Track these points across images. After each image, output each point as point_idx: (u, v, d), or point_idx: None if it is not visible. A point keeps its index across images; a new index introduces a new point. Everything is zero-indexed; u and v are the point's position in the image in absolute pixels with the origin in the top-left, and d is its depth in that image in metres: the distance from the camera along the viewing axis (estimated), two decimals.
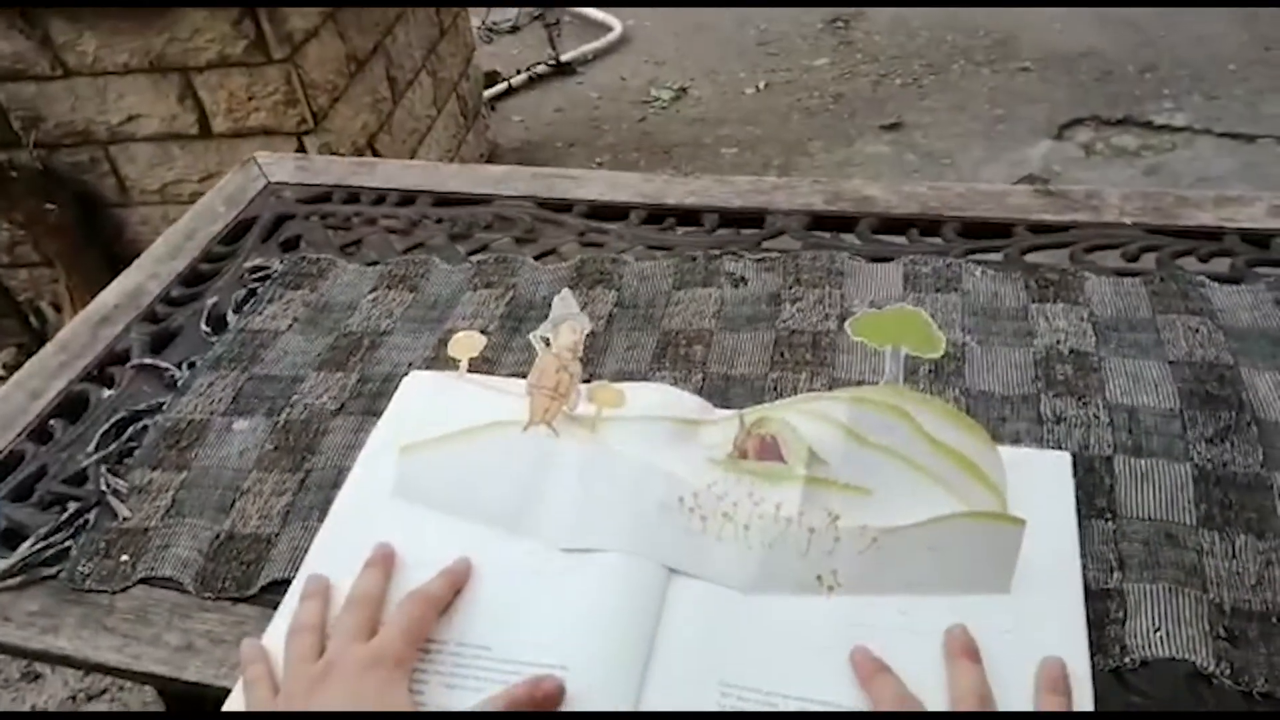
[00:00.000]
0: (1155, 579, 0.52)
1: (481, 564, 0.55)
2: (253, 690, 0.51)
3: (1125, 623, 0.51)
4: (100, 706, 1.29)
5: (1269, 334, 0.66)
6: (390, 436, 0.63)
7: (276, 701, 0.49)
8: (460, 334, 0.63)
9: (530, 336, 0.59)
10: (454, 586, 0.54)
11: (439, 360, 0.70)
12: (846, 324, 0.50)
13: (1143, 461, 0.58)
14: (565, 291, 0.59)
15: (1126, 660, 0.49)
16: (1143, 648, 0.50)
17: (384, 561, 0.55)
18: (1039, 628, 0.50)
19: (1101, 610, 0.51)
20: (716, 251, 0.79)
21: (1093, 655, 0.49)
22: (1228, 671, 0.48)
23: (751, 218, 0.84)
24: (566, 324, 0.57)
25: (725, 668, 0.50)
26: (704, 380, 0.67)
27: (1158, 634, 0.50)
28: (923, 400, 0.53)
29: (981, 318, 0.70)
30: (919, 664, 0.49)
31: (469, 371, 0.64)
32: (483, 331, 0.71)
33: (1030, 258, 0.76)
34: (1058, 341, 0.67)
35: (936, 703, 0.47)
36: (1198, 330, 0.67)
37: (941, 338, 0.51)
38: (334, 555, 0.57)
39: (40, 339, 1.38)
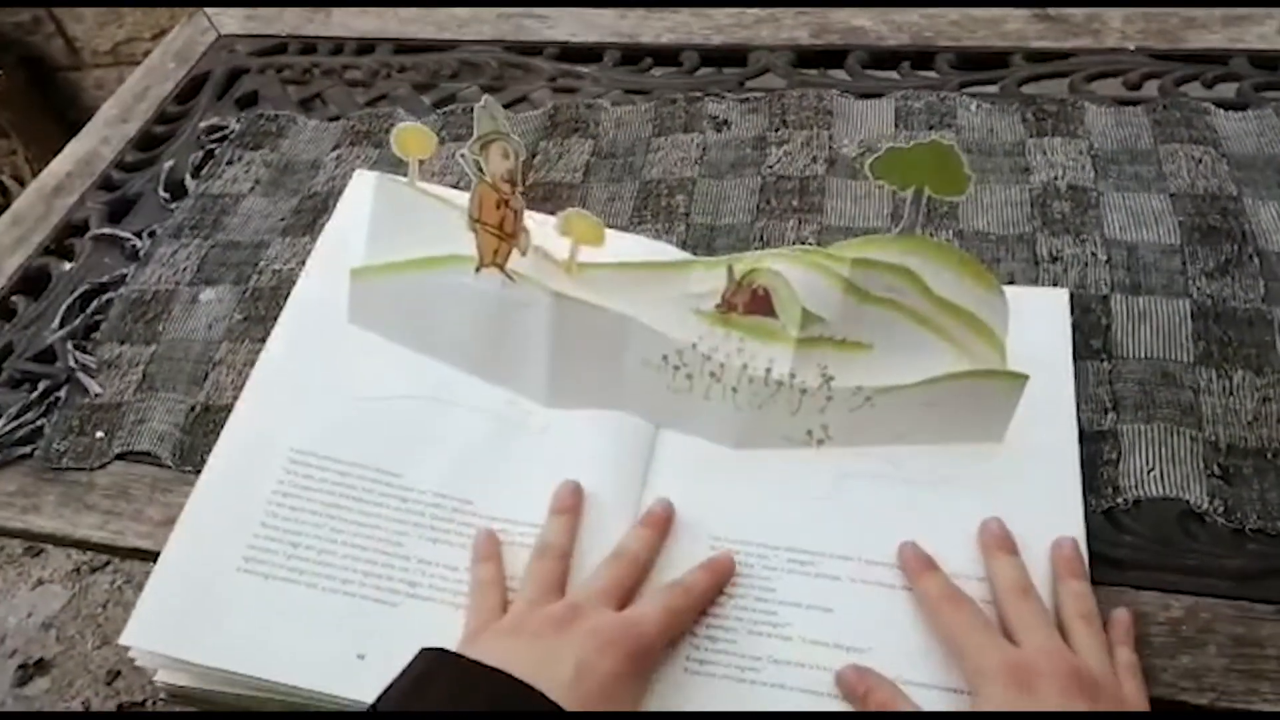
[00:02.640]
0: (1150, 419, 0.51)
1: (456, 407, 0.54)
2: (484, 594, 0.47)
3: (1119, 463, 0.50)
4: (104, 578, 1.32)
5: (1275, 161, 0.63)
6: (338, 246, 0.60)
7: (503, 624, 0.45)
8: (405, 125, 0.53)
9: (459, 156, 0.50)
10: (718, 585, 0.47)
11: None
12: (867, 164, 0.45)
13: (1141, 299, 0.57)
14: (487, 99, 0.48)
15: (1119, 501, 0.49)
16: (1135, 487, 0.49)
17: (576, 510, 0.50)
18: (1031, 470, 0.49)
19: (1095, 451, 0.50)
20: (697, 93, 0.75)
21: (1085, 496, 0.49)
22: (1221, 509, 0.48)
23: (733, 55, 0.79)
24: (495, 146, 0.48)
25: (714, 521, 0.49)
26: (687, 231, 0.65)
27: (1151, 474, 0.49)
28: (931, 249, 0.49)
29: (976, 155, 0.67)
30: (908, 513, 0.49)
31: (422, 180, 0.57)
32: (453, 187, 0.68)
33: (1028, 89, 0.72)
34: (1055, 177, 0.64)
35: (952, 564, 0.47)
36: (1201, 160, 0.64)
37: (970, 175, 0.46)
38: (285, 372, 0.56)
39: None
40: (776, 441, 0.51)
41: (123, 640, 0.47)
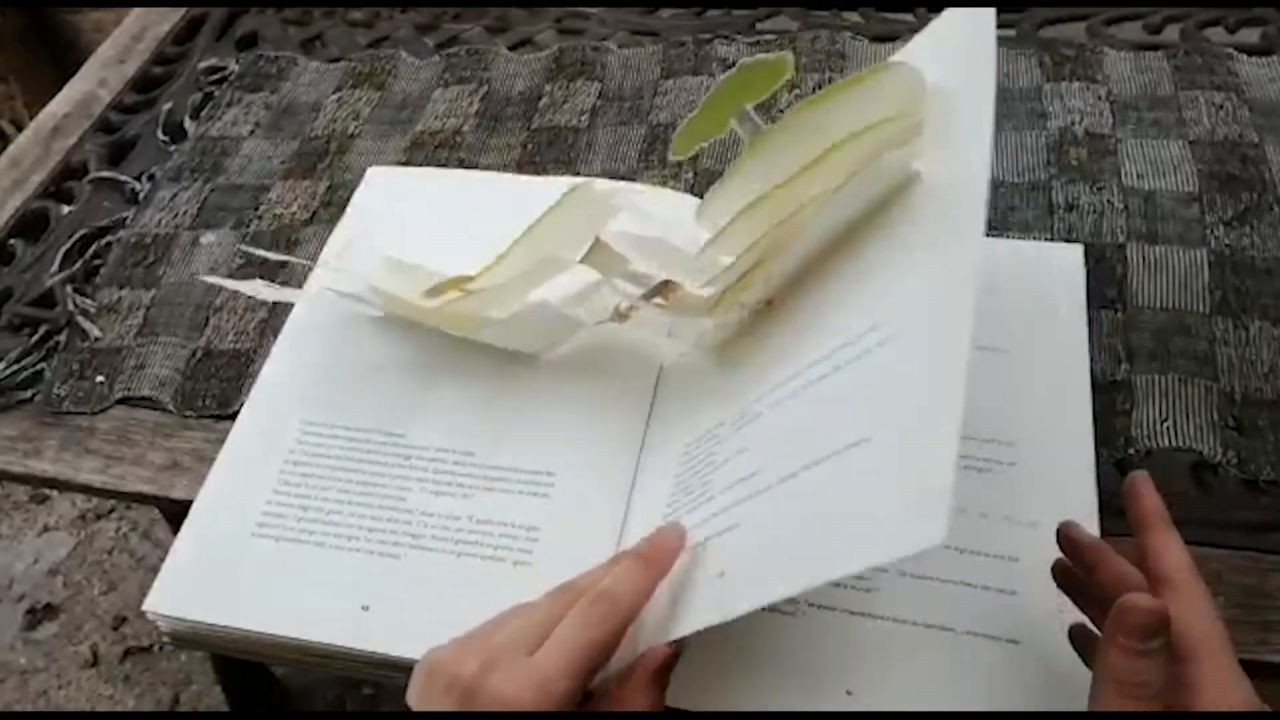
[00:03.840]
0: (1165, 369, 0.50)
1: (459, 368, 0.54)
2: (553, 600, 0.40)
3: (1131, 413, 0.49)
4: (109, 525, 1.32)
5: None
6: (351, 235, 0.59)
7: (457, 659, 0.37)
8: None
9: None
10: (656, 572, 0.40)
11: (410, 165, 0.66)
12: (671, 152, 0.41)
13: (1157, 248, 0.55)
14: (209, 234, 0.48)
15: (1130, 451, 0.48)
16: (1148, 438, 0.48)
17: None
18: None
19: (1108, 402, 0.50)
20: (707, 35, 0.73)
21: (1097, 448, 0.48)
22: (1234, 461, 0.47)
23: None
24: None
25: (686, 428, 0.48)
26: (695, 177, 0.63)
27: (1165, 424, 0.49)
28: (774, 135, 0.45)
29: None
30: (856, 294, 0.42)
31: None
32: (456, 132, 0.67)
33: (1045, 32, 0.71)
34: (1072, 123, 0.63)
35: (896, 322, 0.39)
36: (1221, 106, 0.62)
37: (786, 58, 0.43)
38: (299, 347, 0.56)
39: None
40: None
41: (145, 606, 0.47)
